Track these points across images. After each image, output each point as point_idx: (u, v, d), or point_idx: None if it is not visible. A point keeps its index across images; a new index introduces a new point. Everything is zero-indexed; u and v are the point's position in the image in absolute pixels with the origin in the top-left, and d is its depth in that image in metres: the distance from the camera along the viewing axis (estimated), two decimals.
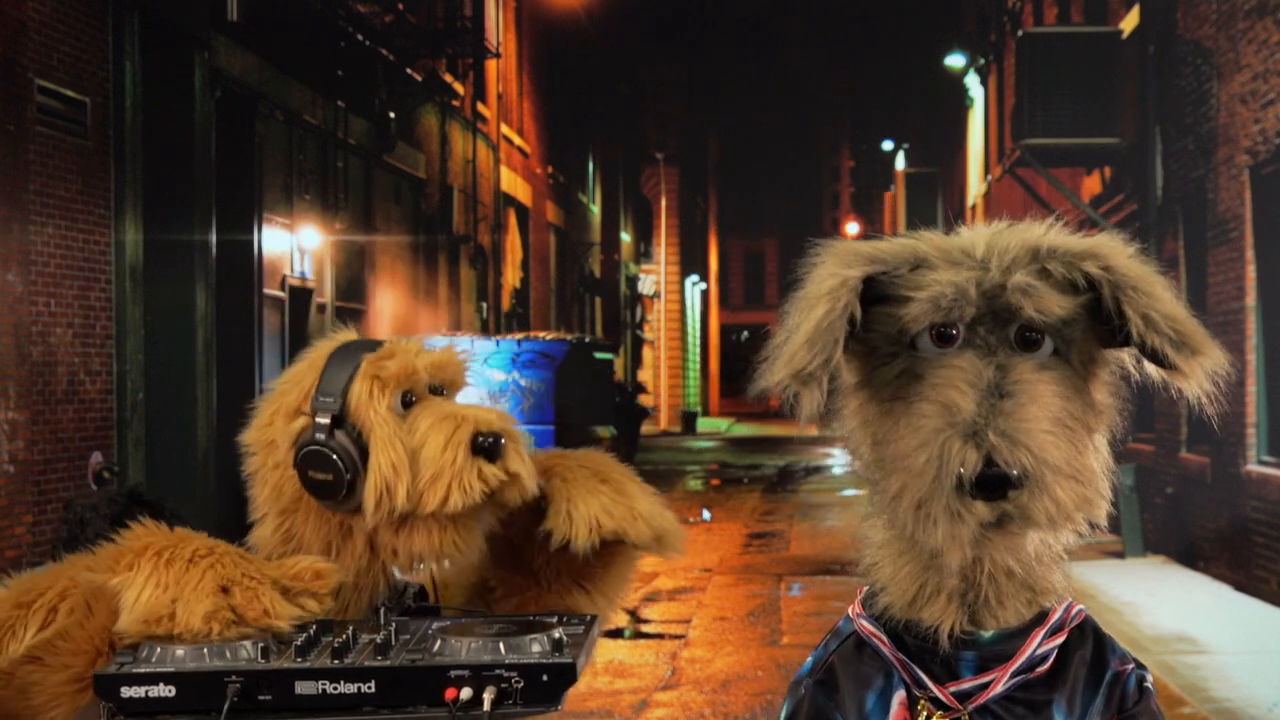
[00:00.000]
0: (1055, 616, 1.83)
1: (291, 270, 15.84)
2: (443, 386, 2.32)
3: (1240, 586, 11.30)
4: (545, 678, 1.96)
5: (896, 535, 1.81)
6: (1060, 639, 1.82)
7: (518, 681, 1.95)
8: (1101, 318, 1.73)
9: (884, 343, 1.76)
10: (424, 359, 2.30)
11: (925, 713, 1.81)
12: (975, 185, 27.88)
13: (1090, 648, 1.85)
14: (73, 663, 2.11)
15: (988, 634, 1.80)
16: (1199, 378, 1.70)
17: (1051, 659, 1.81)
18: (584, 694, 8.26)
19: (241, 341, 13.83)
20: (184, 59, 12.55)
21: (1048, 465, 1.63)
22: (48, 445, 10.33)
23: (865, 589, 1.91)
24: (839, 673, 1.87)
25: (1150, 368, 1.75)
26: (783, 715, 1.91)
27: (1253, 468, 11.32)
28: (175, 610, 2.06)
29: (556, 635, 2.03)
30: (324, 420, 2.23)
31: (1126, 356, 1.78)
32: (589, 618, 2.22)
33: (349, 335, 2.39)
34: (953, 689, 1.80)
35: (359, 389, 2.24)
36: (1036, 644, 1.80)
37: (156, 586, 2.08)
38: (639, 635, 10.46)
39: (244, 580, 2.11)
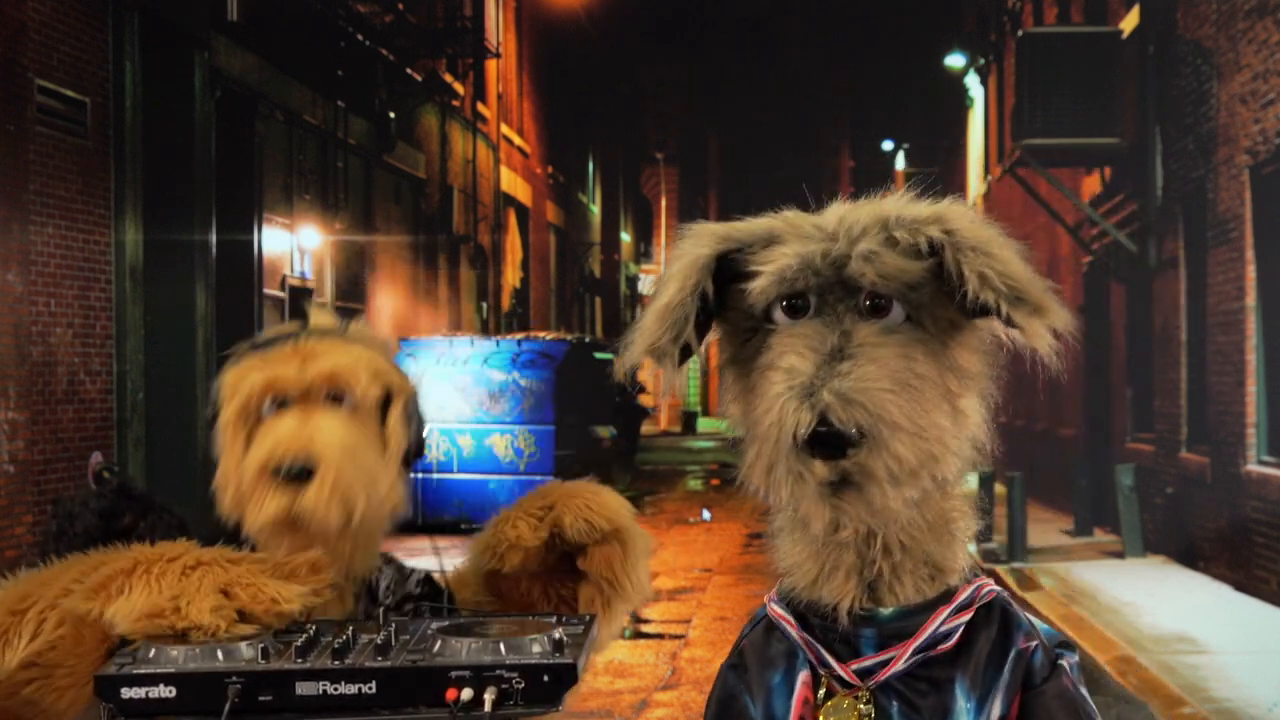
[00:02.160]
0: (963, 595, 1.84)
1: (291, 270, 15.84)
2: (341, 394, 2.27)
3: (1240, 586, 11.30)
4: (546, 678, 1.96)
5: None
6: (965, 617, 1.83)
7: (519, 682, 1.95)
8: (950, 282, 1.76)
9: (743, 319, 1.81)
10: (313, 366, 2.26)
11: (828, 690, 1.83)
12: (975, 185, 27.88)
13: (996, 626, 1.85)
14: (68, 684, 2.10)
15: (887, 611, 1.82)
16: (1040, 334, 1.72)
17: (956, 637, 1.82)
18: (584, 694, 8.24)
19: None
20: (184, 59, 12.55)
21: (885, 422, 1.66)
22: (48, 445, 10.33)
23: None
24: (748, 655, 1.91)
25: (1015, 332, 1.77)
26: (706, 702, 1.95)
27: (1253, 468, 11.31)
28: (179, 605, 2.06)
29: (557, 636, 2.03)
30: (209, 415, 2.31)
31: (998, 325, 1.80)
32: (588, 617, 2.22)
33: (323, 318, 2.39)
34: (854, 666, 1.82)
35: (222, 392, 2.28)
36: (939, 622, 1.81)
37: (151, 593, 2.08)
38: (639, 635, 10.45)
39: (241, 581, 2.11)
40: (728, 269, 1.80)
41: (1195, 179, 12.88)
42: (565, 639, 2.03)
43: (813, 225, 1.79)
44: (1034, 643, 1.86)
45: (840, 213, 1.80)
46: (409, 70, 19.58)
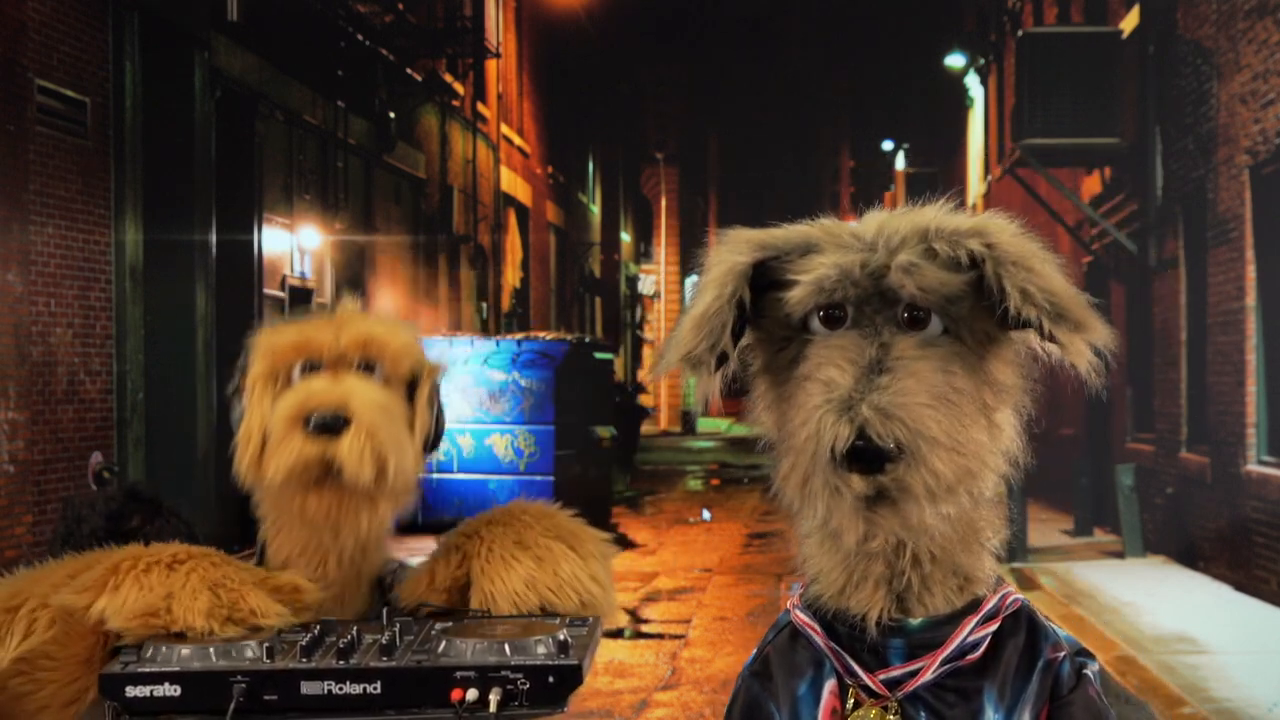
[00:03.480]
0: (989, 605, 1.83)
1: (291, 270, 15.83)
2: (373, 363, 2.25)
3: (1240, 586, 11.30)
4: (551, 679, 1.96)
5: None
6: (993, 626, 1.82)
7: (523, 683, 1.95)
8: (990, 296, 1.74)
9: (779, 328, 1.79)
10: (348, 332, 2.24)
11: (855, 700, 1.81)
12: (975, 185, 27.87)
13: (1024, 636, 1.85)
14: (55, 678, 2.10)
15: (916, 621, 1.81)
16: (1081, 351, 1.70)
17: (983, 647, 1.81)
18: (584, 694, 8.23)
19: (241, 341, 13.80)
20: (184, 59, 12.55)
21: (924, 438, 1.64)
22: (48, 445, 10.33)
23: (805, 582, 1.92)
24: (773, 663, 1.89)
25: (1051, 346, 1.75)
26: (726, 709, 1.93)
27: (1253, 468, 11.31)
28: (171, 605, 2.06)
29: (561, 637, 2.02)
30: (233, 386, 2.27)
31: (1034, 338, 1.78)
32: (592, 619, 2.21)
33: (348, 306, 2.37)
34: (882, 676, 1.80)
35: (253, 351, 2.26)
36: (967, 631, 1.80)
37: (142, 589, 2.08)
38: (639, 635, 10.45)
39: (227, 582, 2.11)
40: (764, 276, 1.78)
41: (1195, 179, 12.88)
42: (570, 640, 2.03)
43: (850, 234, 1.77)
44: (1062, 653, 1.85)
45: (879, 221, 1.78)
46: (409, 70, 19.57)
